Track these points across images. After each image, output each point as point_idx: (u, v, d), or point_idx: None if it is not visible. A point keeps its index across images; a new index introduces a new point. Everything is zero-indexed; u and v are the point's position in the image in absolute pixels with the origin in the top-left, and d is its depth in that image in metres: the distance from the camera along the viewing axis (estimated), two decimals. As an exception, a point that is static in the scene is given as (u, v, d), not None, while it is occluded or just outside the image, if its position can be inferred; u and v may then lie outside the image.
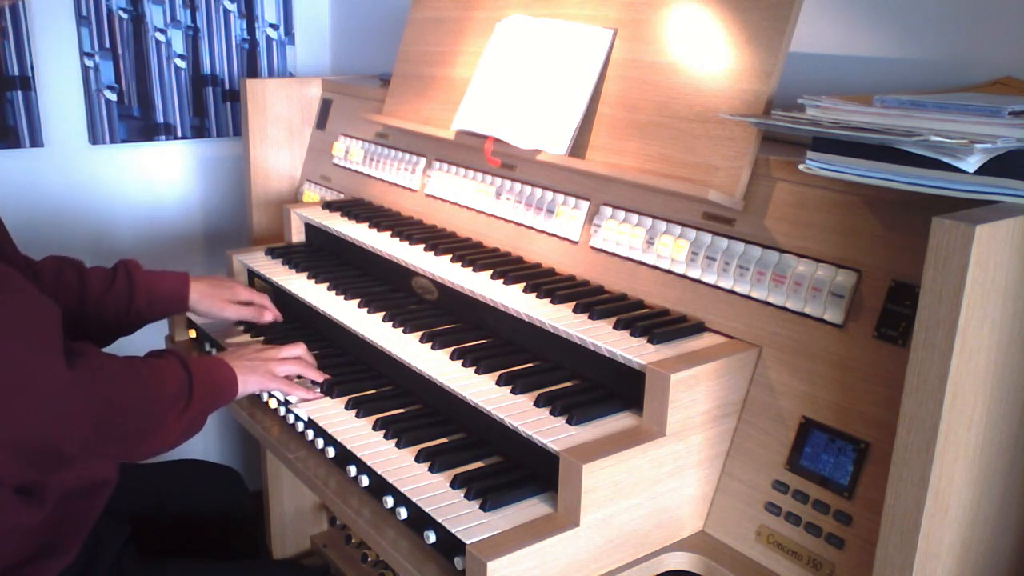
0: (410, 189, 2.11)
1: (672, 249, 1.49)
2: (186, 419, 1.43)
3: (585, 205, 1.67)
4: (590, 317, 1.47)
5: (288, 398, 1.63)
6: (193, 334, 2.07)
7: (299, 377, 1.66)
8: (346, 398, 1.62)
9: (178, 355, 1.49)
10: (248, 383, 1.57)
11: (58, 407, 1.23)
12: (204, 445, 2.97)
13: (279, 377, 1.61)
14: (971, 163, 1.04)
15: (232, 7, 2.71)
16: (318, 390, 1.65)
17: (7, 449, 1.20)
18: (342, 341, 1.81)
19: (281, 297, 2.00)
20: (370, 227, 2.00)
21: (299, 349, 1.68)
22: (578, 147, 1.66)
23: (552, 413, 1.34)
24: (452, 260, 1.76)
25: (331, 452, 1.51)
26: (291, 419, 1.63)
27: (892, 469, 1.04)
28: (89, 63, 2.50)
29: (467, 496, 1.30)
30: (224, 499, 1.90)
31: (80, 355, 1.32)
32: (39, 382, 1.21)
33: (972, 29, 1.47)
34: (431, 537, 1.27)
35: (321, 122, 2.52)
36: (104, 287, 1.71)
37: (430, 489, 1.33)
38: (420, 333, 1.63)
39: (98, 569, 1.47)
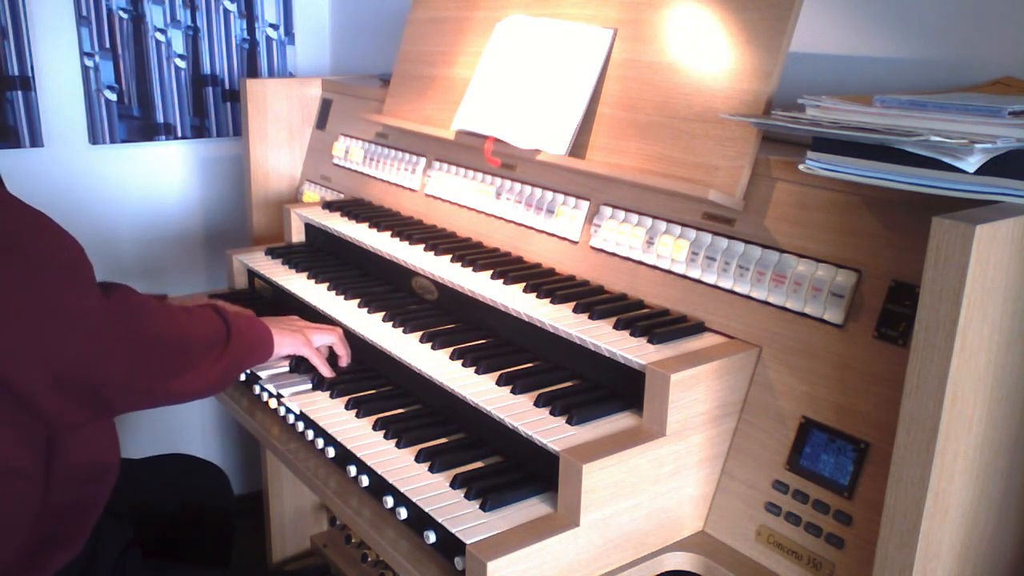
0: (410, 189, 2.11)
1: (672, 249, 1.48)
2: (221, 366, 1.47)
3: (585, 205, 1.67)
4: (590, 317, 1.47)
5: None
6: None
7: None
8: (346, 398, 1.62)
9: (216, 307, 1.55)
10: (283, 344, 1.63)
11: (97, 337, 1.26)
12: (203, 445, 2.97)
13: (313, 346, 1.67)
14: (971, 163, 1.04)
15: (232, 7, 2.71)
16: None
17: (50, 381, 1.22)
18: (342, 341, 1.81)
19: (281, 297, 2.00)
20: (370, 227, 2.00)
21: (339, 331, 1.73)
22: (578, 147, 1.66)
23: (552, 413, 1.34)
24: (452, 260, 1.76)
25: (331, 452, 1.51)
26: (291, 419, 1.63)
27: (892, 469, 1.03)
28: (89, 63, 2.50)
29: (467, 496, 1.30)
30: (211, 494, 1.91)
31: (116, 289, 1.37)
32: (78, 314, 1.24)
33: (972, 29, 1.47)
34: (431, 537, 1.27)
35: (321, 122, 2.52)
36: None
37: (430, 489, 1.33)
38: (420, 333, 1.63)
39: (99, 569, 1.47)
